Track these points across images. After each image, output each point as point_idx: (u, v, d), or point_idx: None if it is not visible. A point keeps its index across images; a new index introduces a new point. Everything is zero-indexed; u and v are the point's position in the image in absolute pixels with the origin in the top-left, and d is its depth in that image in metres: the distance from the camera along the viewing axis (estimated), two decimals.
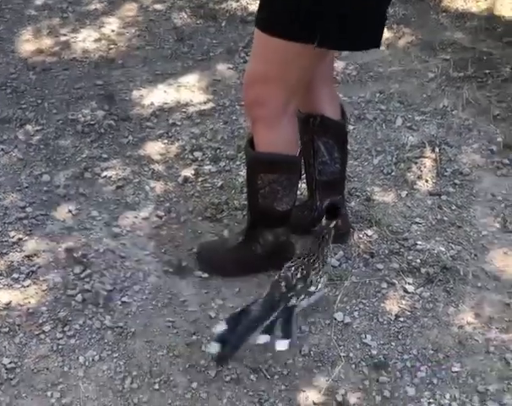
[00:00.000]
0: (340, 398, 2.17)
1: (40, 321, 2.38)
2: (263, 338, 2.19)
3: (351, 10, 2.05)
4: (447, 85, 3.62)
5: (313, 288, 2.31)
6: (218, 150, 3.15)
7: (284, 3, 2.09)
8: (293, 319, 2.26)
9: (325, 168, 2.56)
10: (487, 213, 2.84)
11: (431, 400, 2.17)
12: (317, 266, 2.30)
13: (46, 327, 2.35)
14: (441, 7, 4.31)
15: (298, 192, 2.72)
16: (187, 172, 3.03)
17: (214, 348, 2.20)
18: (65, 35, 4.02)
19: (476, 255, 2.65)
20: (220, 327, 2.22)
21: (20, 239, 2.69)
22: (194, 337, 2.33)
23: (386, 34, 3.97)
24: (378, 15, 2.17)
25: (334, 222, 2.31)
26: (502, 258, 2.65)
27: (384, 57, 3.84)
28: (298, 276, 2.29)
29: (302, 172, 2.54)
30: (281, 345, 2.19)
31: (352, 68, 3.74)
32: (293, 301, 2.27)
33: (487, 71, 3.69)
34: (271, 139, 2.31)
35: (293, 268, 2.30)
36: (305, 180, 2.68)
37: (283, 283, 2.28)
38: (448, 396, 2.18)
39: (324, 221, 2.31)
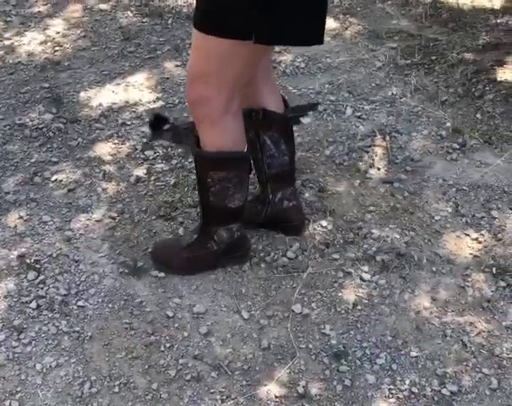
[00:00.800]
0: (301, 390, 2.17)
1: None
2: None
3: (287, 4, 2.02)
4: (395, 73, 3.65)
5: None
6: (169, 149, 3.13)
7: (217, 0, 2.07)
8: None
9: (274, 161, 2.56)
10: (438, 198, 2.87)
11: (391, 386, 2.19)
12: None
13: (1, 336, 2.31)
14: None
15: (251, 186, 2.73)
16: (140, 172, 3.00)
17: None
18: (9, 38, 3.96)
19: (429, 240, 2.68)
20: None
21: None
22: (153, 338, 2.32)
23: (333, 24, 4.01)
24: (314, 8, 2.11)
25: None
26: (455, 242, 2.68)
27: (331, 48, 3.86)
28: None
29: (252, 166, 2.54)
30: None
31: (301, 60, 3.75)
32: None
33: (434, 57, 3.73)
34: (216, 137, 2.29)
35: None
36: (255, 175, 2.68)
37: None
38: (407, 381, 2.20)
39: None
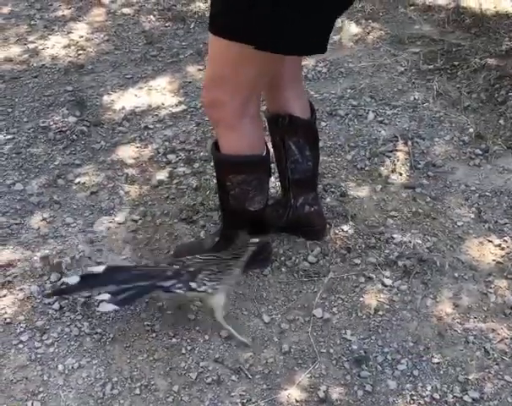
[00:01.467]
0: (322, 395, 2.17)
1: (18, 331, 2.35)
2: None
3: (289, 12, 1.98)
4: (417, 78, 3.64)
5: (193, 285, 2.28)
6: (191, 152, 3.14)
7: (225, 3, 2.06)
8: (145, 295, 2.37)
9: (297, 167, 2.56)
10: (461, 204, 2.86)
11: (412, 392, 2.18)
12: (214, 269, 2.31)
13: (24, 337, 2.33)
14: (408, 0, 4.34)
15: (273, 190, 2.74)
16: (162, 175, 3.02)
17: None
18: (33, 42, 3.99)
19: (452, 246, 2.67)
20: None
21: None
22: (174, 340, 2.32)
23: (355, 29, 4.01)
24: (319, 19, 2.05)
25: (255, 245, 2.35)
26: (478, 248, 2.66)
27: (353, 53, 3.86)
28: (190, 269, 2.30)
29: (273, 170, 2.53)
30: (104, 307, 2.26)
31: (323, 65, 3.75)
32: (168, 284, 2.28)
33: (457, 63, 3.72)
34: (233, 140, 2.29)
35: (191, 261, 2.33)
36: (278, 179, 2.68)
37: (173, 267, 2.31)
38: (429, 387, 2.19)
39: (249, 238, 2.34)
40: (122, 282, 2.28)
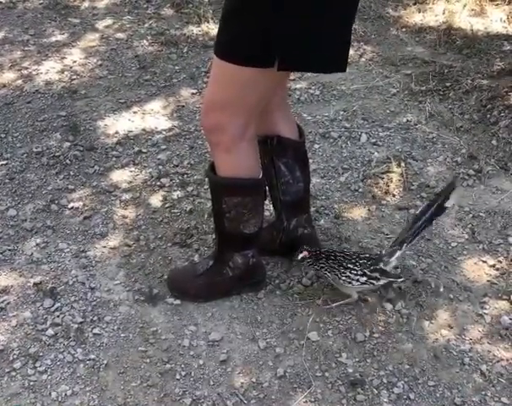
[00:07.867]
0: None
1: (11, 358, 2.33)
2: None
3: (312, 30, 2.02)
4: (409, 100, 3.65)
5: None
6: (185, 176, 3.14)
7: (239, 29, 2.07)
8: None
9: (288, 188, 2.56)
10: (455, 224, 2.86)
11: None
12: None
13: (17, 364, 2.31)
14: (400, 22, 4.37)
15: (267, 213, 2.74)
16: (155, 199, 3.01)
17: None
18: (27, 67, 4.00)
19: (446, 267, 2.66)
20: None
21: None
22: (168, 366, 2.31)
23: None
24: (338, 37, 2.12)
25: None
26: (472, 268, 2.66)
27: (346, 76, 3.87)
28: None
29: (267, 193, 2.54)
30: None
31: (315, 87, 3.76)
32: None
33: (449, 84, 3.74)
34: (231, 163, 2.30)
35: None
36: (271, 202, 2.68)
37: None
38: None
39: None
40: None
